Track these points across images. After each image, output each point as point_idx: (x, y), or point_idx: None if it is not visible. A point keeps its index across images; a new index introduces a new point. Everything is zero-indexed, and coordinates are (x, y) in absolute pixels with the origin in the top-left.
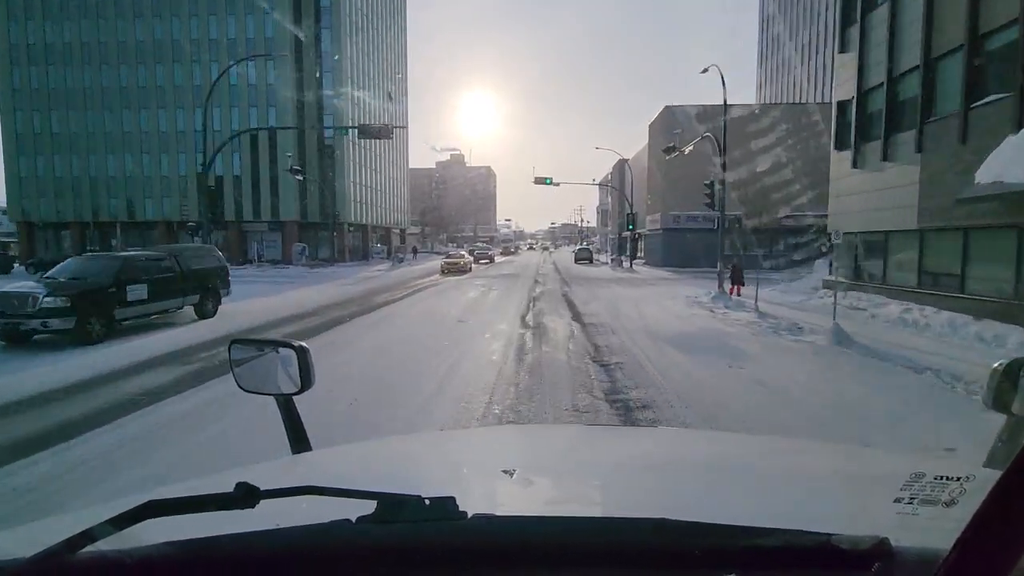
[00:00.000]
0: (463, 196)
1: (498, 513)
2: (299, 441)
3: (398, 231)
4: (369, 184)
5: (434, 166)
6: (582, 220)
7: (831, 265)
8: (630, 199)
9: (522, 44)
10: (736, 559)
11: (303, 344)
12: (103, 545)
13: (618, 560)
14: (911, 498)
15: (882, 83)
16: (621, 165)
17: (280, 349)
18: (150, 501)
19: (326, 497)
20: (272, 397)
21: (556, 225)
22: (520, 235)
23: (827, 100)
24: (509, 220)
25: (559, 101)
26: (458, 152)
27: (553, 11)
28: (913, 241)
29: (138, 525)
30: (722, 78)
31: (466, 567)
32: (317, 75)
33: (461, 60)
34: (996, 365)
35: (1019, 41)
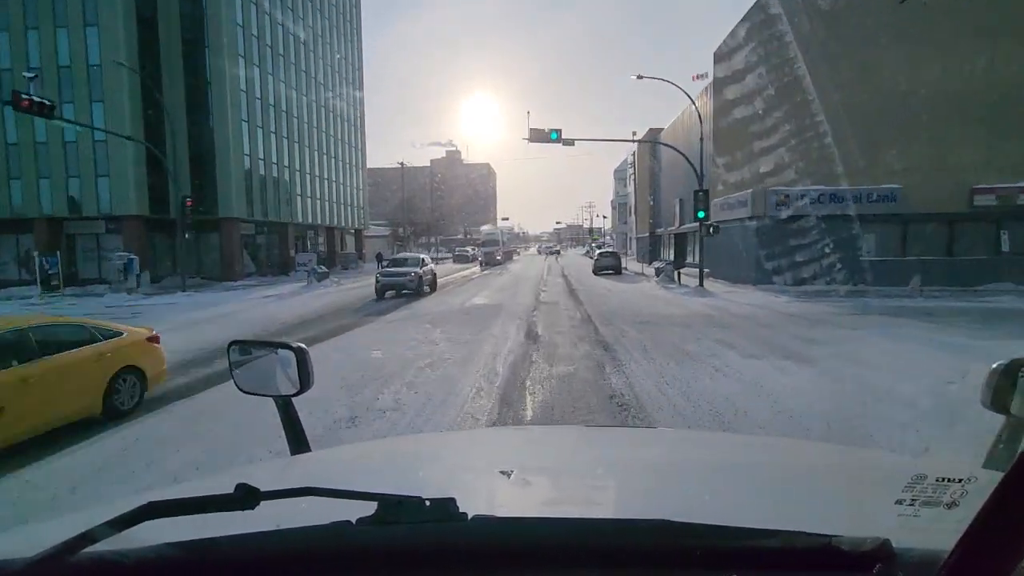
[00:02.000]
0: (460, 195)
1: (498, 514)
2: (298, 442)
3: (352, 232)
4: (295, 167)
5: (428, 163)
6: (593, 215)
7: None
8: (697, 166)
9: (522, 43)
10: (737, 560)
11: (302, 345)
12: (103, 547)
13: (619, 561)
14: (912, 500)
15: None
16: (654, 137)
17: (279, 350)
18: (150, 502)
19: (326, 498)
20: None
21: (561, 226)
22: (522, 237)
23: None
24: (507, 218)
25: (561, 101)
26: (454, 149)
27: (554, 12)
28: None
29: (138, 526)
30: None
31: (466, 568)
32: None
33: (460, 57)
34: (995, 366)
35: None
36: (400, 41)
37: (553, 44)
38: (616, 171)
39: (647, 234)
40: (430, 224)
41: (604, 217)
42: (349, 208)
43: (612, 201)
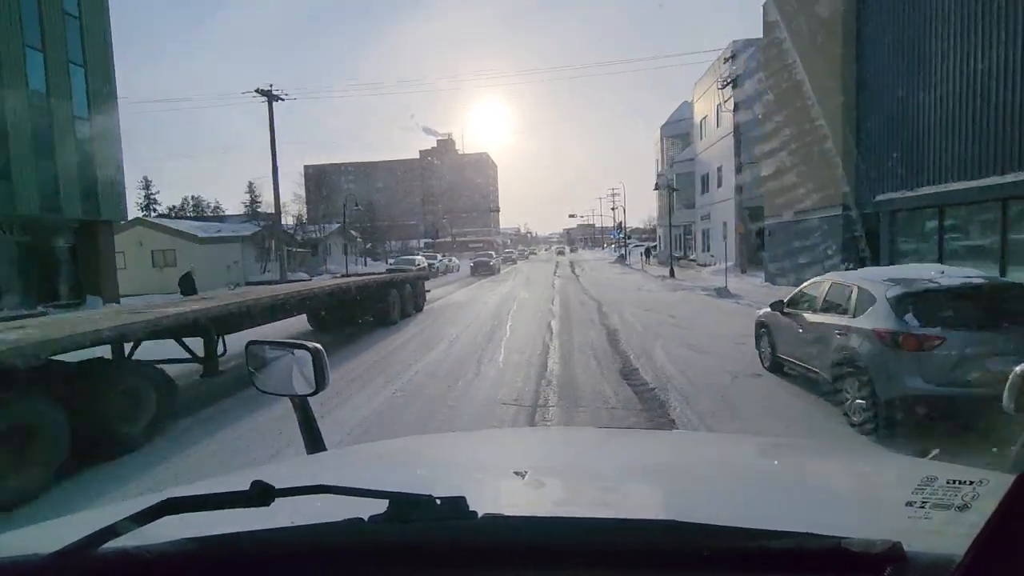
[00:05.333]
0: (453, 191)
1: (508, 513)
2: (314, 441)
3: (73, 228)
4: None
5: (417, 155)
6: (623, 203)
7: None
8: None
9: (521, 39)
10: (747, 561)
11: (318, 346)
12: (123, 541)
13: (628, 561)
14: (923, 502)
15: None
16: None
17: (295, 351)
18: (169, 499)
19: (339, 496)
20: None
21: (573, 224)
22: (531, 239)
23: None
24: (497, 209)
25: (565, 102)
26: (446, 138)
27: (554, 14)
28: None
29: (157, 522)
30: None
31: (476, 566)
32: None
33: (456, 45)
34: (1018, 369)
35: None
36: (394, 32)
37: (554, 42)
38: (666, 125)
39: (821, 214)
40: (375, 225)
41: (674, 189)
42: (46, 175)
43: (660, 175)
